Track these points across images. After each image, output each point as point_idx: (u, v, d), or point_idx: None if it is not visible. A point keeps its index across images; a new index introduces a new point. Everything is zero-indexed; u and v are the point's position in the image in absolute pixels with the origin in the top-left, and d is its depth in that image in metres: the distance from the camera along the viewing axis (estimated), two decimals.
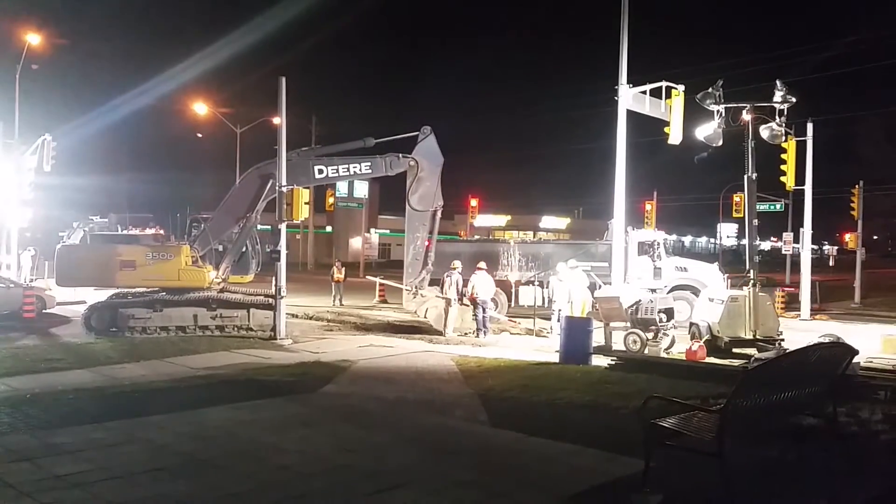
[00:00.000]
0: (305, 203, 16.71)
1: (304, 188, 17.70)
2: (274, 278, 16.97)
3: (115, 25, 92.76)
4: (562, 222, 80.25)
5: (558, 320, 16.36)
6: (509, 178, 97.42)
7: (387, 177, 19.25)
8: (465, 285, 18.64)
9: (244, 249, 18.61)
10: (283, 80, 17.15)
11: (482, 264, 19.07)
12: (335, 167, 18.51)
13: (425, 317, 18.55)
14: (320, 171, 18.34)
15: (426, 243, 18.85)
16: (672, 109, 17.00)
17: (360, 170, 18.94)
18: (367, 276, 31.89)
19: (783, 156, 23.85)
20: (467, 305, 18.58)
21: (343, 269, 27.61)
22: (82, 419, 8.07)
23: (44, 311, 20.81)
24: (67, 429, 7.63)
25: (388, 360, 13.35)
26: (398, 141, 19.23)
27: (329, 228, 66.29)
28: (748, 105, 16.02)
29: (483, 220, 61.24)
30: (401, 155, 18.53)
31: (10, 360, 12.22)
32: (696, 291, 20.77)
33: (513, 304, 22.29)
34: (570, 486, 6.08)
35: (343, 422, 8.38)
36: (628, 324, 15.30)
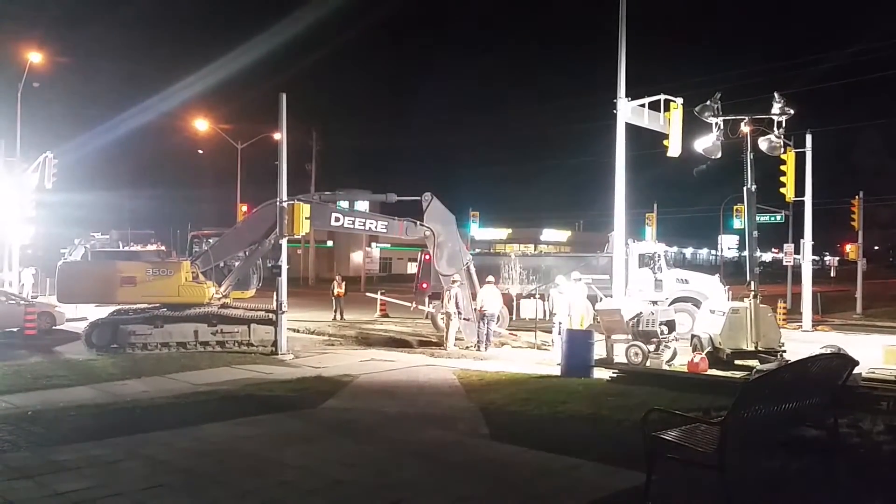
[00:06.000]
0: (306, 218, 16.73)
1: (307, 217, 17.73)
2: (275, 293, 16.99)
3: (116, 43, 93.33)
4: (563, 235, 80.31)
5: (559, 333, 16.35)
6: (510, 191, 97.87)
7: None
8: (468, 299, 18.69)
9: None
10: (284, 96, 17.27)
11: (491, 278, 19.15)
12: (352, 219, 18.77)
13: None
14: (336, 220, 18.53)
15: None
16: (671, 122, 17.05)
17: (377, 227, 19.20)
18: (368, 293, 31.93)
19: (783, 167, 23.92)
20: (468, 320, 18.59)
21: (343, 283, 27.63)
22: (83, 436, 8.05)
23: (53, 327, 20.87)
24: (69, 446, 7.62)
25: (390, 375, 13.34)
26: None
27: (330, 243, 66.33)
28: (746, 117, 16.06)
29: (484, 233, 61.34)
30: (417, 223, 18.81)
31: (11, 377, 12.21)
32: (697, 303, 20.74)
33: (514, 318, 22.29)
34: (571, 500, 6.06)
35: (344, 437, 8.37)
36: (630, 336, 15.28)
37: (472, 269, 19.36)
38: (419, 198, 19.01)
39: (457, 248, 18.96)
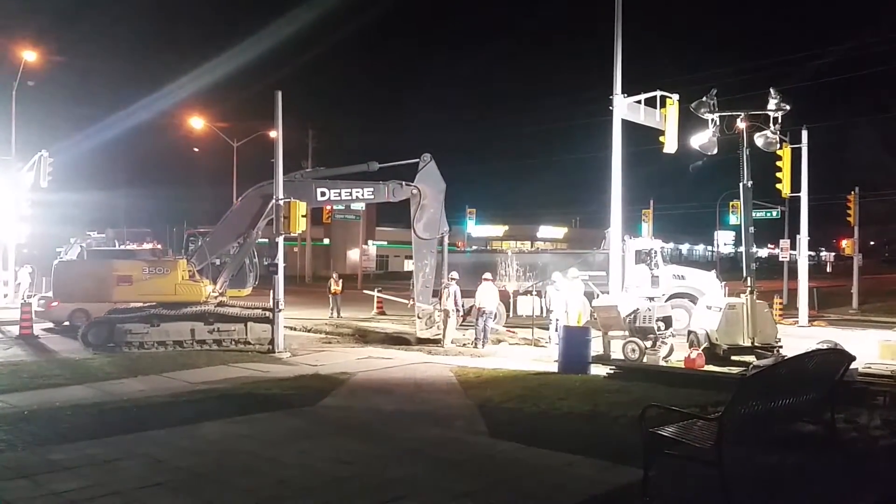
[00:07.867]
0: (303, 216, 16.70)
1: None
2: (272, 291, 16.97)
3: (112, 41, 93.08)
4: (559, 231, 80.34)
5: (556, 330, 16.36)
6: (506, 188, 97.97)
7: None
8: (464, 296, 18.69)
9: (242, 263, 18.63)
10: (280, 94, 17.22)
11: (488, 275, 19.14)
12: (338, 190, 18.60)
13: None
14: (322, 194, 18.44)
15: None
16: (667, 118, 17.07)
17: (363, 195, 19.04)
18: (365, 291, 31.95)
19: (778, 163, 23.97)
20: (464, 316, 18.59)
21: (340, 281, 27.63)
22: (80, 435, 8.03)
23: None
24: (65, 445, 7.60)
25: (387, 372, 13.33)
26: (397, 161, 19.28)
27: (326, 241, 66.26)
28: (742, 113, 16.10)
29: (480, 230, 61.34)
30: (403, 183, 18.65)
31: (7, 377, 12.17)
32: (693, 299, 20.77)
33: (511, 315, 22.30)
34: (569, 496, 6.06)
35: (342, 435, 8.36)
36: (627, 332, 15.30)
37: (446, 242, 19.30)
38: (404, 162, 18.93)
39: (437, 216, 18.82)
